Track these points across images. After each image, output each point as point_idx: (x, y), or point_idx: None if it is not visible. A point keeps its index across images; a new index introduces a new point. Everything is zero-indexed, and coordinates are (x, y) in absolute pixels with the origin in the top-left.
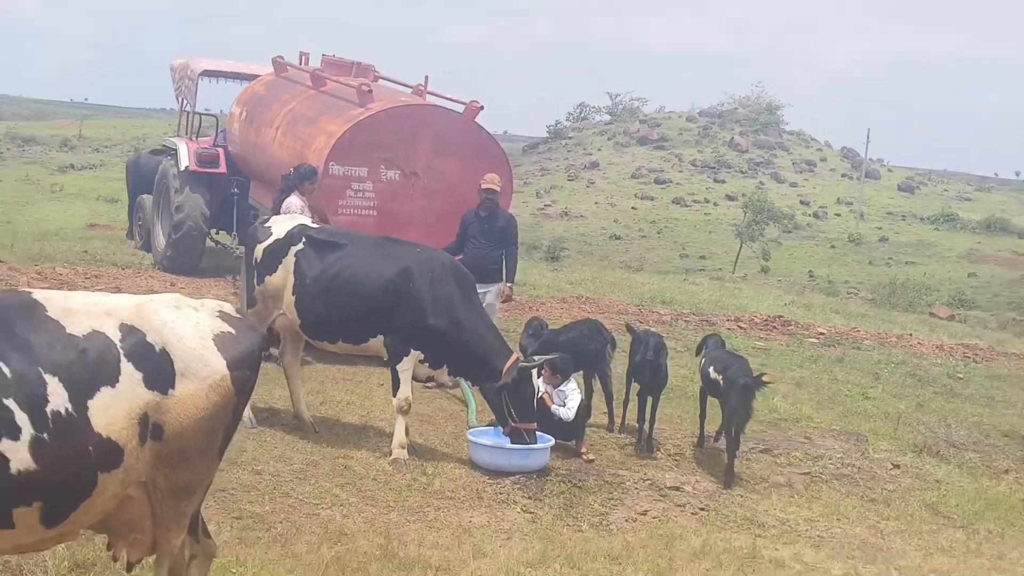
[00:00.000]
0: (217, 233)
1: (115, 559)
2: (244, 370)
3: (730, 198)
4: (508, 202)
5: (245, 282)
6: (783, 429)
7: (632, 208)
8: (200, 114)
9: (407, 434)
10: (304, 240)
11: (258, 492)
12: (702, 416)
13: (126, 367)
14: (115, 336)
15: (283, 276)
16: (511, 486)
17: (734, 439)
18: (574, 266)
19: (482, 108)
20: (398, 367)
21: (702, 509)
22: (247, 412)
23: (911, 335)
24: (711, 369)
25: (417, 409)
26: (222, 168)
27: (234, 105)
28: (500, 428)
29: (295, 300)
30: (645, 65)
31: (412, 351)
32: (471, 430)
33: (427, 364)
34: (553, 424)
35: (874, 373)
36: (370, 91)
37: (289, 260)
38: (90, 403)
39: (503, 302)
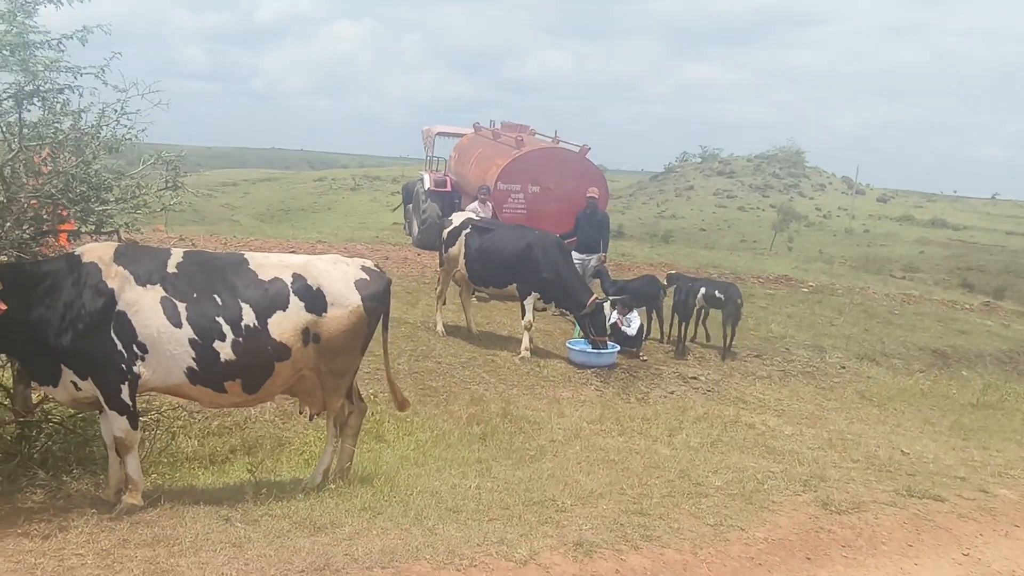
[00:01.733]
0: None
1: (301, 412)
2: (373, 302)
3: (772, 207)
4: (604, 205)
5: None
6: (772, 343)
7: (713, 212)
8: (436, 157)
9: (531, 341)
10: (470, 227)
11: (436, 374)
12: (697, 323)
13: (293, 299)
14: (288, 280)
15: (458, 248)
16: (590, 374)
17: (732, 331)
18: (674, 246)
19: (590, 149)
20: (524, 302)
21: (709, 391)
22: (440, 325)
23: (868, 287)
24: (715, 291)
25: (539, 326)
26: (448, 188)
27: (452, 151)
28: (586, 339)
29: (465, 262)
30: (724, 129)
31: (533, 292)
32: (570, 340)
33: (542, 300)
34: (623, 337)
35: (839, 310)
36: (522, 140)
37: (461, 239)
38: (269, 320)
39: (600, 264)
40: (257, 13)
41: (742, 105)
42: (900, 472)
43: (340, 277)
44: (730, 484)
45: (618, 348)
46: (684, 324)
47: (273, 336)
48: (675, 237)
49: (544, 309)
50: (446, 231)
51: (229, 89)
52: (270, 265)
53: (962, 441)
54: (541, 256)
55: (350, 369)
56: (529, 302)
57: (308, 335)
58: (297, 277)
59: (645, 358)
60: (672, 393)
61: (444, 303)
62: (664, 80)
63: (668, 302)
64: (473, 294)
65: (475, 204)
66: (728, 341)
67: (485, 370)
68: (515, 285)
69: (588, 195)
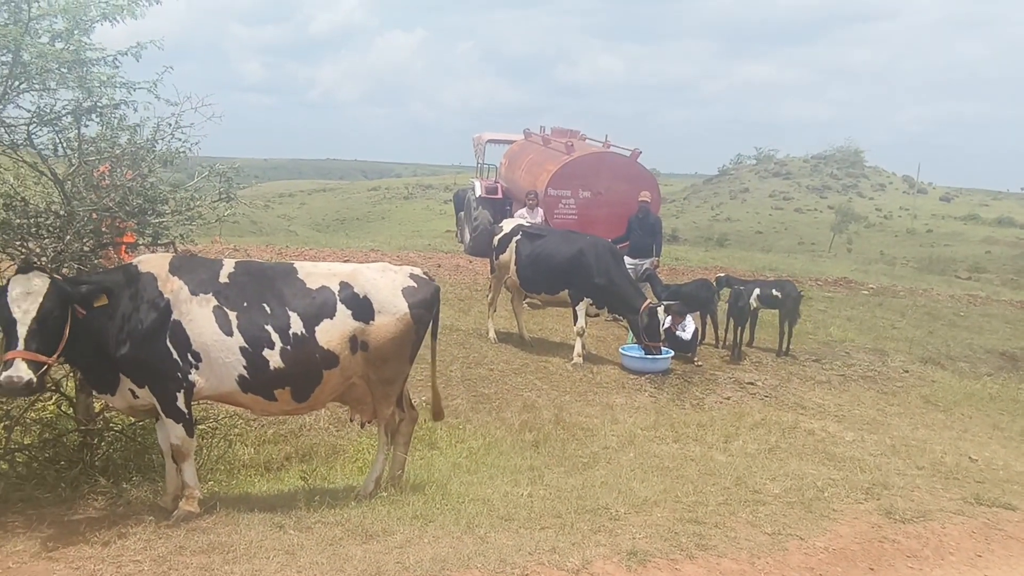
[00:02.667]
0: None
1: (352, 420)
2: (420, 309)
3: (830, 208)
4: (657, 208)
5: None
6: (832, 347)
7: (769, 215)
8: (487, 165)
9: (583, 347)
10: (521, 233)
11: (488, 381)
12: (752, 326)
13: (340, 307)
14: (335, 289)
15: (509, 255)
16: (644, 380)
17: (790, 330)
18: (730, 250)
19: (641, 152)
20: (576, 308)
21: (766, 396)
22: (492, 332)
23: (932, 289)
24: (771, 290)
25: (591, 332)
26: (499, 195)
27: (503, 158)
28: (640, 345)
29: (516, 269)
30: (779, 129)
31: (585, 298)
32: (623, 346)
33: (594, 306)
34: (678, 343)
35: (901, 312)
36: (572, 145)
37: (512, 245)
38: (316, 328)
39: (653, 268)
40: (311, 26)
41: (798, 104)
42: (968, 479)
43: (387, 285)
44: (789, 492)
45: (672, 353)
46: (739, 328)
47: (321, 344)
48: (730, 240)
49: (597, 315)
50: (497, 238)
51: (285, 101)
52: (318, 274)
53: None
54: (593, 262)
55: (399, 377)
56: (581, 308)
57: (356, 343)
58: (344, 285)
59: (700, 363)
60: (728, 399)
61: (496, 310)
62: (718, 81)
63: (722, 306)
64: (524, 300)
65: (523, 210)
66: (787, 340)
67: (537, 377)
68: (567, 291)
69: (640, 199)
